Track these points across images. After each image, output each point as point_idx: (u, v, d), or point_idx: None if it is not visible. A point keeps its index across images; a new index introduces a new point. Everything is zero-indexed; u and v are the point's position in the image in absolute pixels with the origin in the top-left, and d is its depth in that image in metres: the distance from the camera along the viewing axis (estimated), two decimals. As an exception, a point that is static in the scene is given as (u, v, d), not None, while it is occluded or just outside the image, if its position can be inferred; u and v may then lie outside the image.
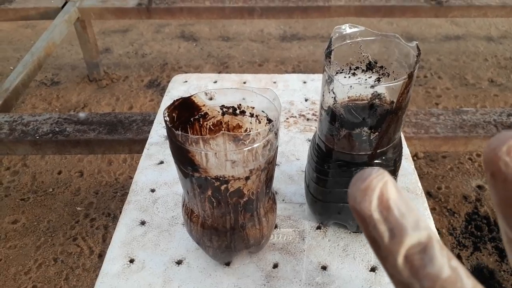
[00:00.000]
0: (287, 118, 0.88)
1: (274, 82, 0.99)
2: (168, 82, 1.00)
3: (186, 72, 2.22)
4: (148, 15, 1.90)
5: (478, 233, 1.40)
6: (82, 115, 1.13)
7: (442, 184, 1.57)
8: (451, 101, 2.01)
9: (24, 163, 1.67)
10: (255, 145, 0.46)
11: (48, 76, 2.25)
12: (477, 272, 1.29)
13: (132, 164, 1.66)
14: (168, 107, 0.48)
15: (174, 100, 0.49)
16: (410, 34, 2.58)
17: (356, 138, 0.51)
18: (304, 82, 0.99)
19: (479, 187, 1.55)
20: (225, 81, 1.00)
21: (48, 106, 2.03)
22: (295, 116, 0.89)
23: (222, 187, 0.48)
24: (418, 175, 0.76)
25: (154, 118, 0.90)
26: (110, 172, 1.63)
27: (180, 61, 2.33)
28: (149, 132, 0.87)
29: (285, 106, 0.91)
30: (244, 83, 0.99)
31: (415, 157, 1.67)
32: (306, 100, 0.93)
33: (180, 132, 0.44)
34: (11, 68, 2.31)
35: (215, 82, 0.99)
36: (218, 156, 0.46)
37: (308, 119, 0.88)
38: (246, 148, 0.45)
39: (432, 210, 1.45)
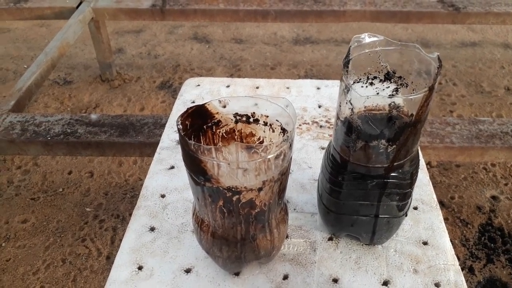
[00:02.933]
0: (300, 125, 0.87)
1: (287, 88, 0.98)
2: (180, 83, 1.00)
3: (198, 74, 2.22)
4: (162, 17, 1.90)
5: (492, 245, 1.37)
6: (93, 116, 1.12)
7: (455, 193, 1.54)
8: (466, 109, 1.98)
9: (35, 163, 1.68)
10: (269, 156, 0.45)
11: (61, 75, 2.26)
12: (490, 285, 1.26)
13: (142, 166, 1.65)
14: (182, 115, 0.47)
15: (187, 108, 0.48)
16: (426, 39, 2.55)
17: (373, 150, 0.50)
18: (318, 88, 0.98)
19: (494, 197, 1.52)
20: (238, 85, 0.99)
21: (60, 106, 2.03)
22: (308, 123, 0.87)
23: (234, 198, 0.46)
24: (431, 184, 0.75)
25: (166, 122, 0.89)
26: (120, 173, 1.62)
27: (192, 63, 2.32)
28: (160, 135, 0.87)
29: (298, 113, 0.90)
30: (257, 88, 0.98)
31: (428, 165, 1.65)
32: (319, 106, 0.92)
33: (192, 141, 0.43)
34: (25, 66, 2.32)
35: (228, 86, 0.98)
36: (230, 166, 0.45)
37: (321, 126, 0.86)
38: (259, 160, 0.44)
39: (445, 220, 1.42)
